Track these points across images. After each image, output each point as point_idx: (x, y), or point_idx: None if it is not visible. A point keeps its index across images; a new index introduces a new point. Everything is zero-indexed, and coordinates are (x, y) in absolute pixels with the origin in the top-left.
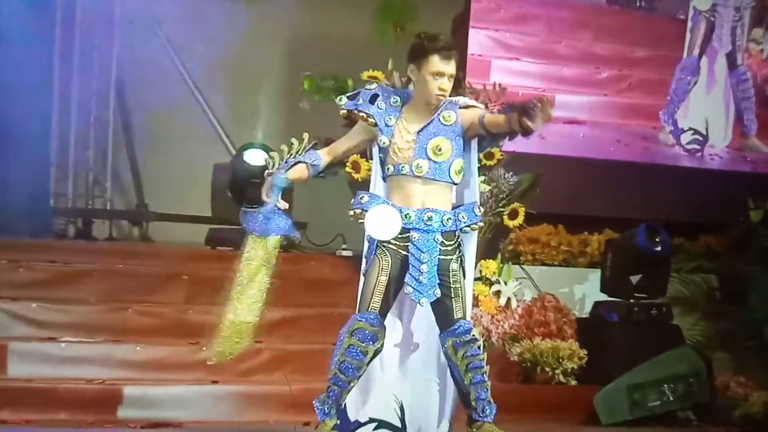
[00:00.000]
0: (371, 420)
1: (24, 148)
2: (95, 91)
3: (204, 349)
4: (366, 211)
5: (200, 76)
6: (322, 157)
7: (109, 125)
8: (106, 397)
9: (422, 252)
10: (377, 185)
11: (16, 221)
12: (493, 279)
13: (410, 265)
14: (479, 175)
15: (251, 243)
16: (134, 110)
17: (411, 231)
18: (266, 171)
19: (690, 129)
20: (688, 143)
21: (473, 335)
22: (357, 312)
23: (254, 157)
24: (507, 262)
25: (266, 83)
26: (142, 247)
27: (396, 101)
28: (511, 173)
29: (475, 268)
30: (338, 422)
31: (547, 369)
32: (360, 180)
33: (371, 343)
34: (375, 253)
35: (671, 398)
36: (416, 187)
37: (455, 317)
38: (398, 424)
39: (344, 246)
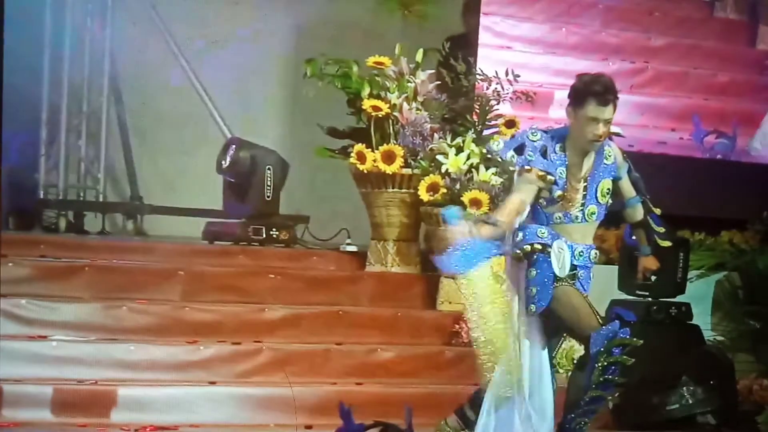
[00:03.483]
0: (377, 423)
1: (12, 136)
2: (87, 79)
3: (201, 348)
4: (546, 245)
5: (199, 62)
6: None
7: (102, 114)
8: (100, 398)
9: (583, 286)
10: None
11: (3, 214)
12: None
13: None
14: (490, 167)
15: (465, 285)
16: (129, 99)
17: (578, 269)
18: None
19: (714, 131)
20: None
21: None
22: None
23: None
24: None
25: (268, 69)
26: (136, 241)
27: (560, 148)
28: None
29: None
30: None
31: (561, 370)
32: (366, 171)
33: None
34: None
35: (690, 401)
36: (578, 228)
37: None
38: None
39: (348, 241)
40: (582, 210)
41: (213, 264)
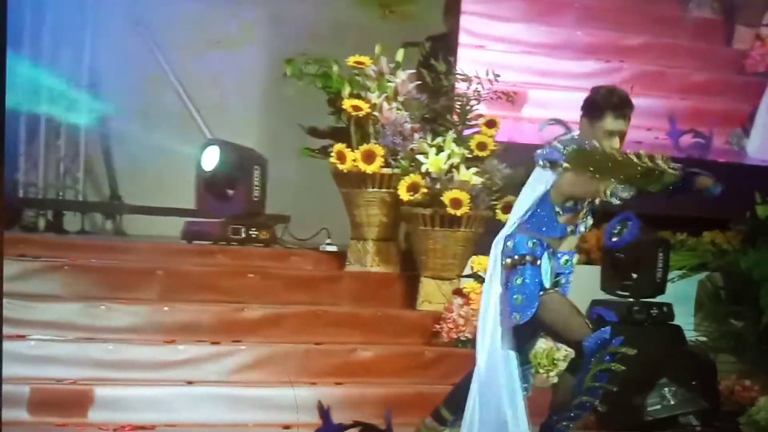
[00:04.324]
0: (356, 423)
1: None
2: (67, 76)
3: (180, 347)
4: (536, 257)
5: (177, 61)
6: None
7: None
8: (77, 398)
9: (566, 294)
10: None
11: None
12: (485, 276)
13: None
14: (471, 167)
15: None
16: (108, 97)
17: (560, 276)
18: None
19: (691, 130)
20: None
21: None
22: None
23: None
24: None
25: (247, 68)
26: (115, 240)
27: None
28: (504, 165)
29: (467, 264)
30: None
31: (542, 371)
32: (346, 171)
33: None
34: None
35: (672, 402)
36: (571, 238)
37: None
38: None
39: (328, 241)
40: (584, 222)
41: (192, 263)
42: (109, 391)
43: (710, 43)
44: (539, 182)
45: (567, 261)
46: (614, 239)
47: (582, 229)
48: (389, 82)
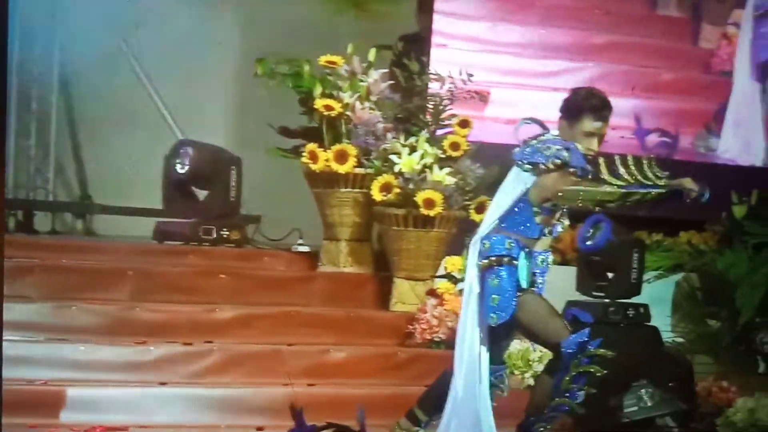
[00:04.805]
0: (329, 425)
1: None
2: (37, 77)
3: (152, 348)
4: (512, 257)
5: (148, 60)
6: None
7: (51, 113)
8: (49, 399)
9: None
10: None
11: None
12: (459, 276)
13: None
14: (444, 167)
15: None
16: (79, 97)
17: (536, 275)
18: None
19: (657, 130)
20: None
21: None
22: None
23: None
24: None
25: (218, 68)
26: (86, 241)
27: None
28: (477, 165)
29: (441, 264)
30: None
31: (517, 372)
32: (318, 171)
33: None
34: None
35: (649, 404)
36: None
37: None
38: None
39: (300, 241)
40: (561, 223)
41: (163, 264)
42: (81, 392)
43: (677, 41)
44: (518, 182)
45: (543, 260)
46: (588, 243)
47: (559, 229)
48: (362, 81)
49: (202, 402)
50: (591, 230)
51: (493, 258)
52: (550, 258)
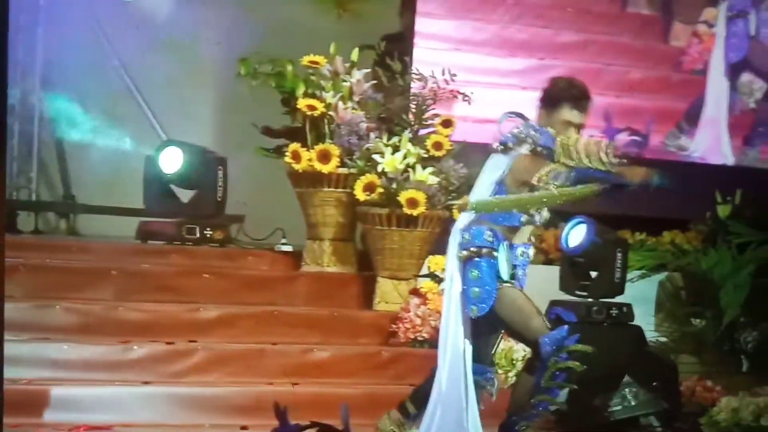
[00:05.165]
0: (313, 424)
1: None
2: (19, 76)
3: (135, 347)
4: (492, 249)
5: (131, 60)
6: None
7: (34, 113)
8: (33, 398)
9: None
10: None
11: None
12: (442, 275)
13: None
14: (427, 167)
15: None
16: (62, 96)
17: (516, 268)
18: None
19: (627, 129)
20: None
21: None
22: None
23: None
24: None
25: (202, 69)
26: (69, 240)
27: (547, 150)
28: (461, 164)
29: (424, 264)
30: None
31: (500, 371)
32: (301, 171)
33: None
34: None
35: (633, 403)
36: (525, 228)
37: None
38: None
39: (284, 241)
40: (540, 212)
41: (146, 263)
42: (64, 391)
43: (647, 40)
44: (495, 168)
45: (523, 253)
46: (572, 245)
47: (537, 219)
48: (344, 81)
49: (185, 401)
50: (574, 231)
51: (473, 249)
52: (531, 251)
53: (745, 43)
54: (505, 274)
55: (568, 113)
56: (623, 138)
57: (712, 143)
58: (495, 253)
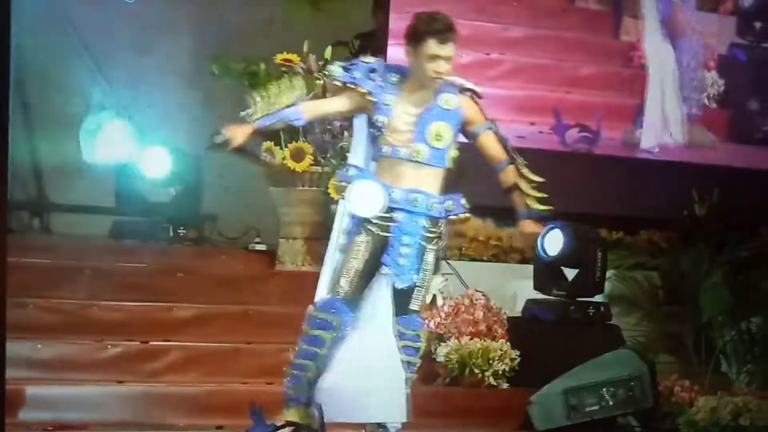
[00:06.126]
0: (288, 423)
1: None
2: None
3: (109, 346)
4: (350, 184)
5: (105, 58)
6: (303, 115)
7: (7, 108)
8: (8, 398)
9: (405, 234)
10: (358, 157)
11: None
12: None
13: (390, 246)
14: None
15: None
16: (35, 93)
17: (395, 211)
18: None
19: (577, 125)
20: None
21: (418, 334)
22: (317, 293)
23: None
24: None
25: (173, 67)
26: (42, 239)
27: (395, 79)
28: None
29: None
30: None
31: (476, 371)
32: (274, 169)
33: (329, 330)
34: (354, 234)
35: (611, 403)
36: (409, 170)
37: (411, 308)
38: (317, 423)
39: (257, 240)
40: (409, 146)
41: (120, 262)
42: (39, 390)
43: (597, 35)
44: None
45: (406, 197)
46: (551, 253)
47: (405, 151)
48: (318, 79)
49: (160, 400)
50: (549, 238)
51: (335, 185)
52: (431, 202)
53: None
54: (358, 209)
55: (434, 47)
56: (573, 134)
57: (658, 138)
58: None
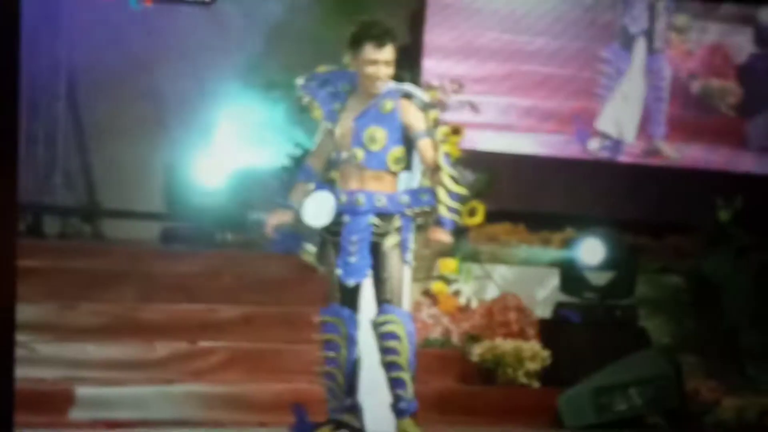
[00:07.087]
0: (330, 421)
1: None
2: (44, 85)
3: (157, 347)
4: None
5: (153, 67)
6: (313, 169)
7: (58, 118)
8: (57, 397)
9: (351, 234)
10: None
11: None
12: (453, 278)
13: (341, 248)
14: None
15: None
16: (85, 102)
17: (343, 214)
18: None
19: (599, 134)
20: (599, 149)
21: (387, 319)
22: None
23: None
24: (467, 261)
25: (224, 83)
26: (93, 244)
27: (346, 87)
28: (469, 170)
29: (434, 266)
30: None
31: (509, 370)
32: None
33: (337, 333)
34: (321, 243)
35: (639, 403)
36: (355, 173)
37: (381, 298)
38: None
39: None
40: (349, 150)
41: (168, 266)
42: (89, 390)
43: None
44: None
45: (350, 200)
46: (591, 263)
47: (346, 155)
48: None
49: (206, 399)
50: (586, 248)
51: None
52: (378, 198)
53: None
54: (310, 219)
55: (372, 52)
56: (595, 144)
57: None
58: None
